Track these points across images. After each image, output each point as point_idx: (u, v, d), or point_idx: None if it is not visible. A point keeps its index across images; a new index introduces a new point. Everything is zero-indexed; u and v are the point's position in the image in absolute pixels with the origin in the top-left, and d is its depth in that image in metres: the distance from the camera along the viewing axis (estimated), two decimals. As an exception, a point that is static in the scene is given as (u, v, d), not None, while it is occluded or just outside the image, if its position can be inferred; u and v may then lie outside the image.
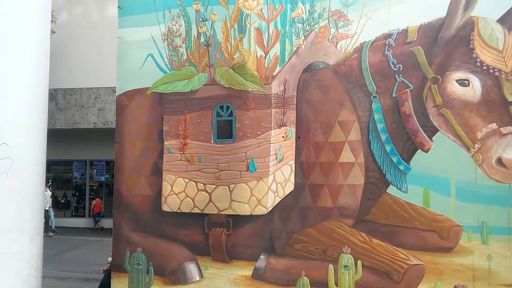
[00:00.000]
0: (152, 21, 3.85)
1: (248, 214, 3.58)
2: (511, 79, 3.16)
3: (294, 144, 3.56)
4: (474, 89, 3.22)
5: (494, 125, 3.17)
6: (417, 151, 3.34)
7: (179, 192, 3.73)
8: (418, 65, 3.33)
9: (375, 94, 3.41)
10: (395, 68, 3.37)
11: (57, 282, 8.59)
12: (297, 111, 3.57)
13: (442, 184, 3.25)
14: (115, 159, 3.92)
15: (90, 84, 14.23)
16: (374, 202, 3.42)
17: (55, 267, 9.57)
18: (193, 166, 3.70)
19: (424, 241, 3.29)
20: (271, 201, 3.55)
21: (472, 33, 3.23)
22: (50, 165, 15.41)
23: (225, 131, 3.67)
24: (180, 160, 3.74)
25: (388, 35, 3.40)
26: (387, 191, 3.39)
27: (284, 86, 3.57)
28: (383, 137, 3.40)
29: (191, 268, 3.70)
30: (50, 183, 15.03)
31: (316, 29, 3.56)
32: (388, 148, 3.39)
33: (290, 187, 3.56)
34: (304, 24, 3.58)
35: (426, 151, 3.32)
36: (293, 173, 3.56)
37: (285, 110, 3.56)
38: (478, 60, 3.21)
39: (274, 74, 3.58)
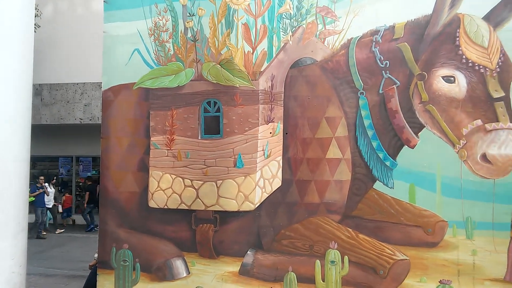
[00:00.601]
0: (138, 15, 3.81)
1: (236, 210, 3.57)
2: (496, 76, 3.20)
3: (282, 140, 3.56)
4: (460, 85, 3.25)
5: (479, 122, 3.20)
6: (403, 147, 3.37)
7: (166, 188, 3.71)
8: (405, 62, 3.35)
9: (362, 90, 3.43)
10: (382, 64, 3.38)
11: (43, 279, 8.48)
12: (285, 107, 3.57)
13: (427, 180, 3.28)
14: (101, 155, 3.88)
15: (76, 79, 14.01)
16: (360, 197, 3.44)
17: (40, 264, 9.46)
18: (180, 162, 3.68)
19: (410, 236, 3.32)
20: (258, 197, 3.55)
21: (458, 30, 3.26)
22: (36, 161, 15.21)
23: (212, 127, 3.65)
24: (167, 156, 3.71)
25: (375, 32, 3.41)
26: (373, 186, 3.41)
27: (272, 82, 3.57)
28: (370, 133, 3.41)
29: (178, 264, 3.69)
30: (54, 180, 14.82)
31: (304, 25, 3.56)
32: (374, 144, 3.41)
33: (277, 183, 3.56)
34: (292, 20, 3.57)
35: (412, 147, 3.35)
36: (280, 169, 3.56)
37: (272, 106, 3.56)
38: (464, 57, 3.23)
39: (261, 70, 3.57)
